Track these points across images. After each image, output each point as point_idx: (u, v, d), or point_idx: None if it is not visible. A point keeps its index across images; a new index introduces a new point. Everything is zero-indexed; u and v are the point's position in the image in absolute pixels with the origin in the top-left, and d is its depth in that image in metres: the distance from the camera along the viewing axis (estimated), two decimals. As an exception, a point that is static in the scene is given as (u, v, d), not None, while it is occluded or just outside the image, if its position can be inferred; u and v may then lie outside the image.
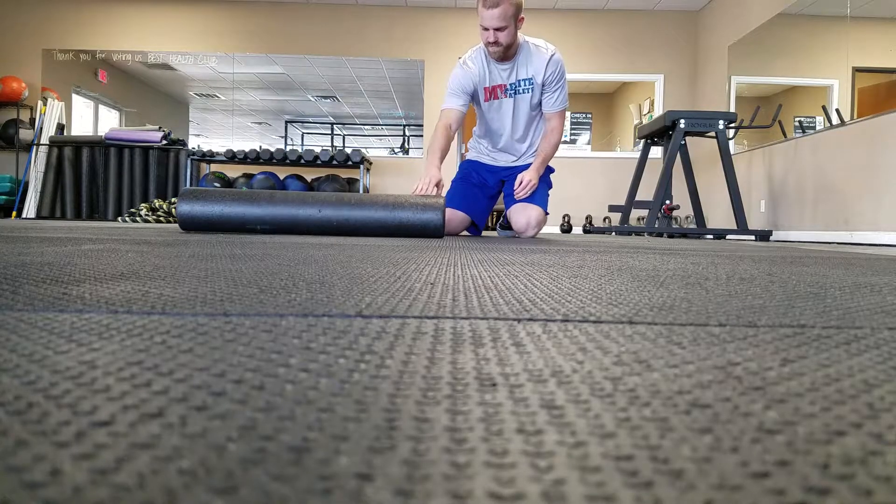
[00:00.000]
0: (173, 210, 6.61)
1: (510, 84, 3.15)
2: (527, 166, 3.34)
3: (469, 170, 3.46)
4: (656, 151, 6.77)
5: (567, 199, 7.51)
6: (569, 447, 0.24)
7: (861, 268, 1.39)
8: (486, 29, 2.90)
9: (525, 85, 3.15)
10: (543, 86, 3.12)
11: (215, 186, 6.81)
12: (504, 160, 3.43)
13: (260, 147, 7.02)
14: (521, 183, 3.13)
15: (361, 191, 7.10)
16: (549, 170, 3.41)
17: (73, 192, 7.06)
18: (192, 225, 2.60)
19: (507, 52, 3.02)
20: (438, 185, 2.88)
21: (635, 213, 7.14)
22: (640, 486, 0.20)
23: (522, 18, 2.95)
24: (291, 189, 6.78)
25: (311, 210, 2.57)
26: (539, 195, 3.25)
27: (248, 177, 6.96)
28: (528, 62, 3.10)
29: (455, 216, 3.23)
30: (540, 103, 3.22)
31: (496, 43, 2.93)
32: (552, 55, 3.09)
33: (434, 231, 2.61)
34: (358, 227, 2.57)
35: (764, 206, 6.10)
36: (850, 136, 4.87)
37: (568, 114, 8.56)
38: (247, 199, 2.60)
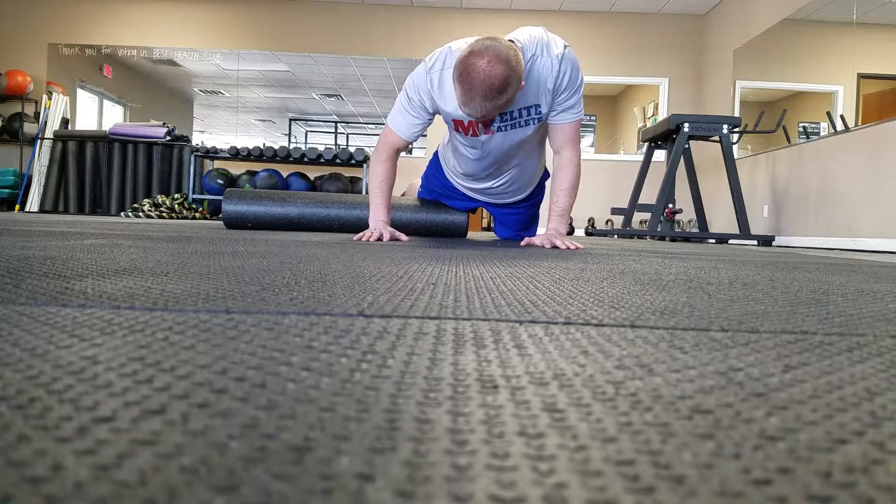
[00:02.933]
0: (176, 206, 6.62)
1: (502, 115, 2.18)
2: (522, 207, 2.74)
3: (442, 188, 2.82)
4: (660, 155, 6.76)
5: (570, 202, 7.50)
6: (570, 451, 0.24)
7: (864, 275, 1.39)
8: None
9: (527, 114, 2.19)
10: (553, 103, 2.16)
11: (219, 183, 6.81)
12: (480, 190, 2.70)
13: (263, 144, 7.02)
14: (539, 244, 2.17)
15: (364, 190, 7.10)
16: (545, 175, 2.74)
17: (77, 187, 7.06)
18: (237, 223, 2.92)
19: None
20: (390, 237, 2.17)
21: (638, 216, 7.13)
22: (642, 492, 0.20)
23: (522, 87, 1.99)
24: (294, 187, 6.78)
25: (357, 211, 2.91)
26: (534, 225, 2.87)
27: (252, 174, 6.96)
28: (532, 86, 2.11)
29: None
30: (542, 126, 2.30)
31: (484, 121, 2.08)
32: (561, 57, 2.09)
33: (461, 231, 2.95)
34: (400, 226, 2.79)
35: (767, 212, 6.10)
36: (855, 142, 4.86)
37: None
38: (290, 200, 2.95)
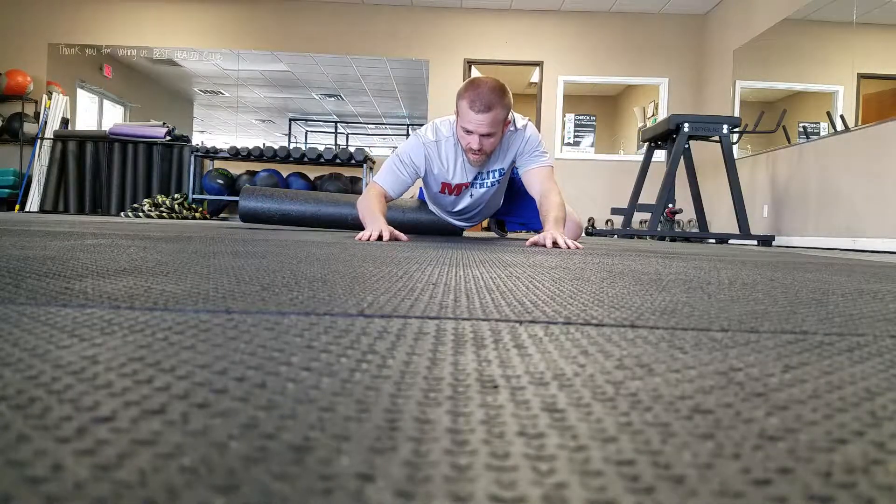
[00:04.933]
0: (176, 206, 6.62)
1: (477, 174, 2.67)
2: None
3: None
4: (660, 155, 6.76)
5: (569, 201, 7.50)
6: (570, 451, 0.24)
7: (864, 275, 1.39)
8: (470, 133, 2.36)
9: (494, 176, 2.69)
10: (515, 159, 2.63)
11: (219, 183, 6.82)
12: (463, 225, 3.11)
13: (263, 144, 7.03)
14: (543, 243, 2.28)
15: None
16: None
17: (77, 187, 7.06)
18: (253, 218, 3.08)
19: (488, 158, 2.54)
20: (390, 236, 2.21)
21: (638, 217, 7.13)
22: (642, 492, 0.20)
23: (508, 122, 2.45)
24: (294, 187, 6.78)
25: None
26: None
27: (252, 174, 6.97)
28: (503, 152, 2.59)
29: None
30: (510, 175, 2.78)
31: (480, 151, 2.41)
32: (525, 128, 2.58)
33: (458, 230, 3.11)
34: (399, 226, 2.73)
35: (767, 212, 6.10)
36: (855, 142, 4.86)
37: (572, 115, 8.56)
38: (305, 200, 3.09)
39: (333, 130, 11.39)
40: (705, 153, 6.89)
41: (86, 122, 8.35)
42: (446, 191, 2.71)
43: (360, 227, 2.78)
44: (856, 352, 0.46)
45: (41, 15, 7.90)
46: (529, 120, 2.64)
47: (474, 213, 2.93)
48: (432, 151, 2.57)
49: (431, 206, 3.03)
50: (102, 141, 7.10)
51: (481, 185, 2.71)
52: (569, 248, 2.14)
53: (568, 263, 1.34)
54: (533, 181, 2.58)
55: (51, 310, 0.52)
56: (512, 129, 2.54)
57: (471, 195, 2.75)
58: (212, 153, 7.06)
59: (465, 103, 2.30)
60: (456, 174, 2.62)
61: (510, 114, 2.43)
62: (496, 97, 2.28)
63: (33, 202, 7.10)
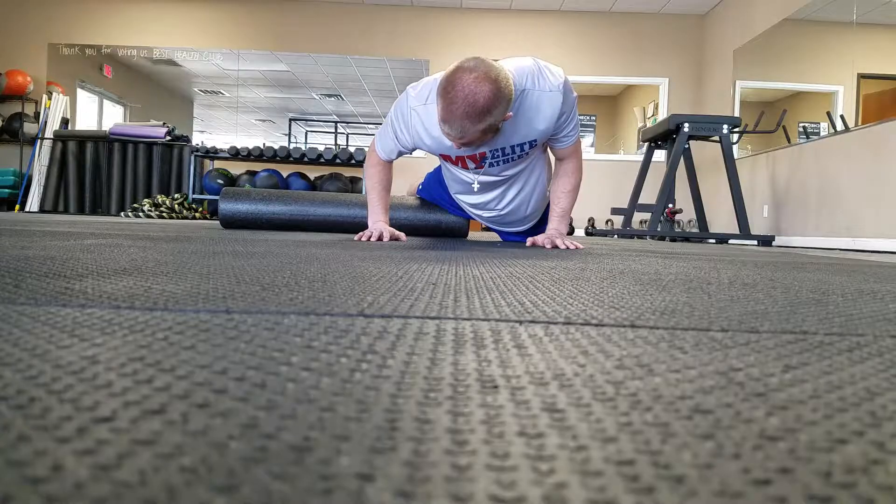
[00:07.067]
0: (176, 206, 6.62)
1: (491, 152, 2.10)
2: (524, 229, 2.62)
3: (443, 200, 2.77)
4: (660, 155, 6.76)
5: (570, 202, 7.49)
6: (570, 451, 0.24)
7: (864, 275, 1.39)
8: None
9: (520, 150, 2.12)
10: (554, 131, 2.09)
11: (219, 183, 6.81)
12: (486, 218, 2.59)
13: (263, 144, 7.02)
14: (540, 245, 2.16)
15: (364, 191, 7.09)
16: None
17: (77, 187, 7.06)
18: (233, 223, 2.92)
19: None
20: (390, 237, 2.11)
21: (638, 217, 7.13)
22: (642, 492, 0.20)
23: (508, 117, 1.89)
24: (294, 187, 6.78)
25: (356, 210, 2.91)
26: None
27: (252, 174, 6.97)
28: (528, 120, 2.01)
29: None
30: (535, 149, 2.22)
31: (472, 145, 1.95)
32: (563, 90, 2.00)
33: (462, 231, 2.96)
34: (399, 226, 2.64)
35: (767, 212, 6.09)
36: (855, 142, 4.86)
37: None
38: (294, 200, 2.94)
39: (333, 130, 11.39)
40: (705, 153, 6.88)
41: (86, 122, 8.35)
42: (449, 162, 2.24)
43: (355, 230, 2.73)
44: (856, 352, 0.46)
45: (41, 15, 7.89)
46: (564, 75, 2.05)
47: (499, 192, 2.36)
48: (418, 119, 2.06)
49: (452, 192, 2.56)
50: (102, 141, 7.09)
51: (505, 162, 2.17)
52: (568, 248, 2.11)
53: (568, 263, 1.34)
54: (560, 153, 2.24)
55: (51, 310, 0.52)
56: (547, 89, 1.98)
57: (492, 165, 2.18)
58: (212, 153, 7.06)
59: (439, 108, 1.81)
60: (453, 148, 2.05)
61: (515, 98, 1.88)
62: (473, 114, 1.76)
63: (33, 202, 7.10)
